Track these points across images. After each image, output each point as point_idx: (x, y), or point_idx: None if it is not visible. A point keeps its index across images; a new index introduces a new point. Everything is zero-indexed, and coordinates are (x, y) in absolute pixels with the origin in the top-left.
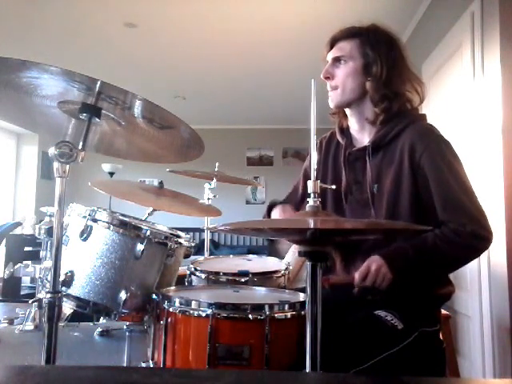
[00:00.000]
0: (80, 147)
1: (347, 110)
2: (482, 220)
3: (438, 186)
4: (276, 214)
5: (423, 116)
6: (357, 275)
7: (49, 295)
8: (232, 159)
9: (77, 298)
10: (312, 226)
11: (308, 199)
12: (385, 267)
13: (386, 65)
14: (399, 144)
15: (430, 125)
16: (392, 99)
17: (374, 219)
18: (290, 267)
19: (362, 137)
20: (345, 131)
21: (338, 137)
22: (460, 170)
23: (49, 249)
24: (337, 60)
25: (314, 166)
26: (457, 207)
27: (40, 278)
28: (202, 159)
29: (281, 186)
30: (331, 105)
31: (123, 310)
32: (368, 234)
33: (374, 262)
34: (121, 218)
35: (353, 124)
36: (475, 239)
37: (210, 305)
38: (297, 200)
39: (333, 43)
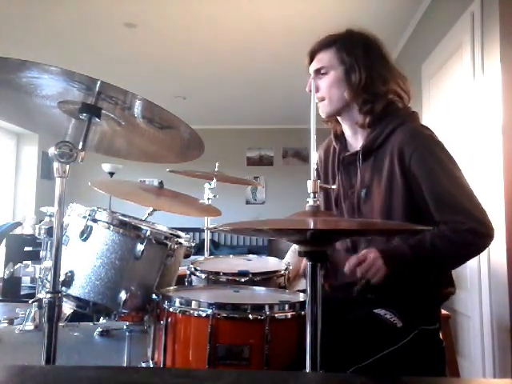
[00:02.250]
0: (80, 147)
1: (339, 118)
2: (481, 216)
3: (431, 187)
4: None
5: (414, 115)
6: (353, 259)
7: (49, 295)
8: (232, 159)
9: (77, 298)
10: (312, 226)
11: (308, 199)
12: (381, 261)
13: (364, 68)
14: (389, 148)
15: (420, 125)
16: (373, 101)
17: None
18: (290, 267)
19: (356, 141)
20: (339, 136)
21: (333, 142)
22: (453, 167)
23: (49, 249)
24: (318, 72)
25: (313, 165)
26: (452, 206)
27: (40, 277)
28: (202, 159)
29: (281, 186)
30: (322, 115)
31: (123, 310)
32: (367, 234)
33: (372, 253)
34: (121, 218)
35: (346, 130)
36: (474, 236)
37: (210, 305)
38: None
39: (312, 55)
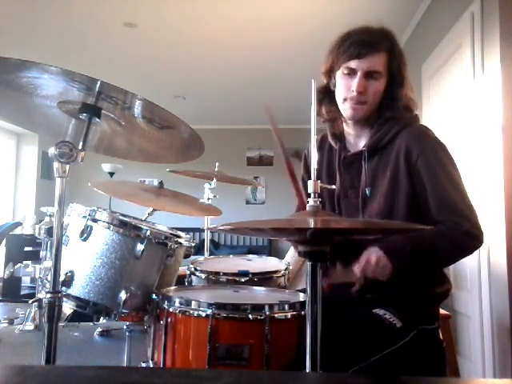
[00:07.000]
0: (80, 147)
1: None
2: (473, 219)
3: (433, 188)
4: None
5: (416, 118)
6: (356, 268)
7: (49, 295)
8: (232, 159)
9: (77, 298)
10: (312, 225)
11: (308, 199)
12: (384, 258)
13: (405, 82)
14: (395, 147)
15: (425, 127)
16: (394, 108)
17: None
18: (290, 267)
19: (358, 141)
20: (337, 135)
21: (331, 141)
22: (454, 171)
23: (49, 249)
24: (369, 75)
25: (314, 165)
26: (451, 207)
27: (40, 277)
28: (202, 159)
29: (281, 186)
30: (351, 118)
31: (123, 310)
32: (367, 234)
33: (374, 254)
34: (121, 218)
35: (350, 129)
36: (469, 238)
37: (209, 305)
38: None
39: (364, 49)
